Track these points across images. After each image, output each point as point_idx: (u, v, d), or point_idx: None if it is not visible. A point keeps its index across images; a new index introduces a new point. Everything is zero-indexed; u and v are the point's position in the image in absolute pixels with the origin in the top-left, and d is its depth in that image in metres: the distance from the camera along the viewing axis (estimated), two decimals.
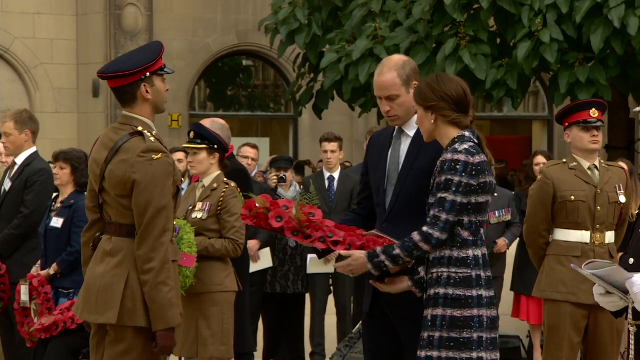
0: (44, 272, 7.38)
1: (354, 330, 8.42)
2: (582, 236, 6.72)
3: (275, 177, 9.92)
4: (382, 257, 4.57)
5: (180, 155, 10.48)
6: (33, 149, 7.81)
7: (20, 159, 7.77)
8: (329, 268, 9.79)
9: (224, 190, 7.24)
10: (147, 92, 5.00)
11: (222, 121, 7.79)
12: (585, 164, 6.82)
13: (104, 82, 4.72)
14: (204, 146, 7.31)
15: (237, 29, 20.98)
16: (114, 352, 4.90)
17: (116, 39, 19.52)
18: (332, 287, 10.14)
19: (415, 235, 4.53)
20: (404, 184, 4.89)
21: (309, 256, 9.74)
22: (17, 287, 7.45)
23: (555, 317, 6.69)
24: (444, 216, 4.52)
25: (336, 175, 9.95)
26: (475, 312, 4.52)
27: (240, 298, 7.35)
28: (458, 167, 4.53)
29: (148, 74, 4.97)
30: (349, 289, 9.97)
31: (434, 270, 4.58)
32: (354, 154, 19.70)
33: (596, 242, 6.72)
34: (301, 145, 21.84)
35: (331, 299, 10.13)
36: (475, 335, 4.51)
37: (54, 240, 7.43)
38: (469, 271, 4.54)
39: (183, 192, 7.33)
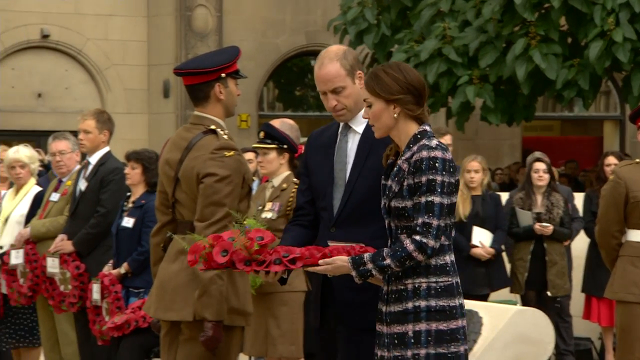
0: (115, 271, 7.46)
1: None
2: None
3: None
4: (370, 266, 4.06)
5: (250, 155, 10.53)
6: (107, 149, 7.90)
7: (94, 159, 7.85)
8: None
9: (294, 190, 7.26)
10: (220, 92, 5.06)
11: (291, 121, 7.82)
12: None
13: (174, 83, 4.78)
14: (273, 146, 7.34)
15: (306, 29, 21.03)
16: (188, 350, 4.94)
17: (186, 40, 19.68)
18: None
19: (409, 245, 4.04)
20: (355, 185, 4.43)
21: None
22: (89, 286, 7.55)
23: (628, 318, 6.61)
24: (435, 222, 4.04)
25: None
26: (460, 323, 4.11)
27: (309, 298, 7.36)
28: (437, 165, 4.06)
29: (223, 74, 5.03)
30: None
31: (409, 281, 4.09)
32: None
33: None
34: None
35: None
36: (462, 349, 4.10)
37: (125, 239, 7.51)
38: (450, 279, 4.11)
39: (253, 192, 7.37)
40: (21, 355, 8.60)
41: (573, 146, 21.38)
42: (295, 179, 7.35)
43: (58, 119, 19.29)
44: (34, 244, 8.01)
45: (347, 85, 4.58)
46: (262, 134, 7.41)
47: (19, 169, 8.43)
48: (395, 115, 4.15)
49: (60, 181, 8.16)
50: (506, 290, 9.78)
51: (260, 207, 7.33)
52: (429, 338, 4.05)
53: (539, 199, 9.68)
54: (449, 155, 4.11)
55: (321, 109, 22.37)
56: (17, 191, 8.54)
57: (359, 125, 4.56)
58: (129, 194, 7.65)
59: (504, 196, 10.09)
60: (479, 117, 14.46)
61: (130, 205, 7.57)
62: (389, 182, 4.16)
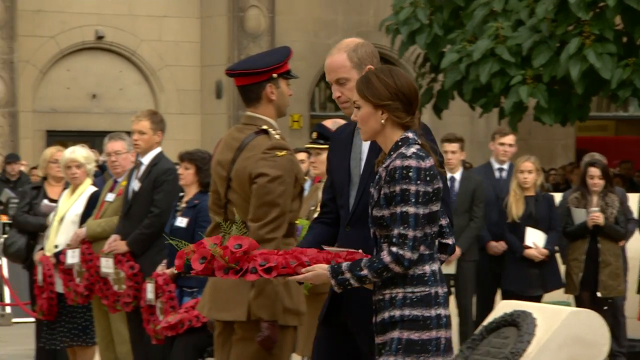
0: (168, 271, 7.50)
1: (475, 332, 8.37)
2: None
3: None
4: (347, 275, 4.02)
5: (302, 155, 10.54)
6: (159, 149, 7.94)
7: (146, 159, 7.90)
8: (450, 269, 9.74)
9: None
10: (272, 92, 5.07)
11: (343, 121, 7.82)
12: None
13: (227, 84, 4.80)
14: (326, 146, 7.34)
15: (358, 29, 21.01)
16: (241, 349, 4.95)
17: (239, 41, 19.76)
18: (452, 288, 10.09)
19: (385, 257, 3.97)
20: (367, 184, 4.31)
21: None
22: (144, 285, 7.60)
23: None
24: (411, 233, 3.96)
25: (457, 176, 9.89)
26: (434, 334, 4.00)
27: None
28: (411, 174, 3.97)
29: (275, 75, 5.04)
30: (471, 290, 9.91)
31: (387, 292, 4.03)
32: (474, 155, 19.54)
33: None
34: None
35: (452, 300, 10.07)
36: None
37: (178, 239, 7.54)
38: (427, 289, 4.01)
39: (306, 193, 7.38)
40: (76, 354, 8.69)
41: (628, 146, 21.17)
42: None
43: (112, 120, 19.47)
44: (89, 244, 8.08)
45: (351, 78, 4.48)
46: (314, 135, 7.42)
47: (75, 169, 8.51)
48: (382, 121, 4.08)
49: (115, 181, 8.23)
50: (560, 291, 9.71)
51: (312, 208, 7.33)
52: (399, 346, 3.99)
53: (594, 199, 9.60)
54: (425, 164, 4.00)
55: None
56: (73, 191, 8.63)
57: None
58: (182, 194, 7.69)
59: (558, 197, 10.03)
60: (532, 117, 14.38)
61: (183, 205, 7.62)
62: (372, 190, 4.11)
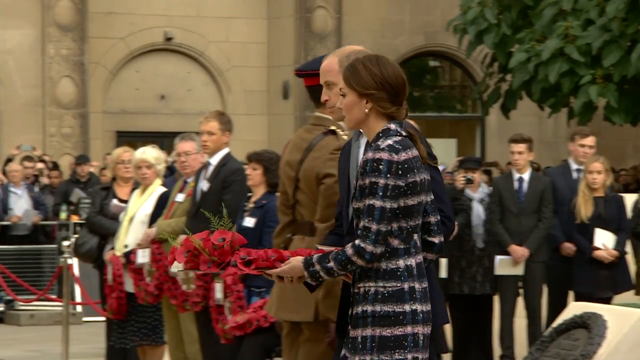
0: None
1: (545, 334, 8.30)
2: None
3: (463, 178, 9.88)
4: (317, 267, 3.98)
5: None
6: (227, 150, 7.98)
7: (215, 160, 7.94)
8: (519, 270, 9.68)
9: None
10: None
11: (411, 122, 7.79)
12: None
13: (294, 84, 4.82)
14: None
15: (424, 29, 20.96)
16: (308, 350, 4.96)
17: (306, 42, 19.82)
18: (521, 290, 10.02)
19: (348, 249, 3.94)
20: None
21: (498, 257, 9.66)
22: (212, 285, 7.65)
23: None
24: (374, 226, 3.89)
25: (526, 176, 9.82)
26: (409, 329, 3.92)
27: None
28: (381, 167, 3.89)
29: None
30: (539, 291, 9.84)
31: (360, 285, 3.98)
32: (542, 156, 19.39)
33: None
34: (488, 145, 21.64)
35: (520, 302, 10.01)
36: (409, 357, 3.92)
37: (246, 239, 7.58)
38: (399, 284, 3.93)
39: None
40: (146, 353, 8.77)
41: None
42: None
43: (180, 121, 19.62)
44: (159, 244, 8.15)
45: (337, 82, 4.42)
46: None
47: (145, 169, 8.59)
48: (366, 110, 4.00)
49: (185, 182, 8.29)
50: (630, 293, 9.60)
51: None
52: (373, 344, 3.93)
53: None
54: (399, 157, 3.91)
55: (440, 109, 22.28)
56: (143, 191, 8.71)
57: None
58: (249, 194, 7.73)
59: (628, 197, 9.90)
60: (601, 117, 14.22)
61: (251, 205, 7.66)
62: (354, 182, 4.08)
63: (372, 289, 3.94)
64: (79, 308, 13.80)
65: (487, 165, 14.51)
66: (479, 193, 9.87)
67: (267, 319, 7.06)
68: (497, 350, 9.94)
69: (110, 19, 19.76)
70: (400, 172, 3.90)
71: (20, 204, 15.27)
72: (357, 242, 3.93)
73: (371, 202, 3.90)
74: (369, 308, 3.94)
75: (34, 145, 18.46)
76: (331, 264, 3.96)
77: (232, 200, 7.79)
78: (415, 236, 3.99)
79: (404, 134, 3.98)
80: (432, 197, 4.08)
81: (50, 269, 14.52)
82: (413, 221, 3.96)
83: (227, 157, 7.94)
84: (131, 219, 8.62)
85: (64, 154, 18.91)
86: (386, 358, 3.91)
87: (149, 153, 8.65)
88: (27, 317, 14.07)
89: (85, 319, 13.58)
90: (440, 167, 12.14)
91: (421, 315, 3.95)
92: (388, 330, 3.91)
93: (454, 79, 22.57)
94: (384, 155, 3.90)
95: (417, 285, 3.96)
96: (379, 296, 3.93)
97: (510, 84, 14.51)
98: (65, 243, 10.89)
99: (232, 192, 7.81)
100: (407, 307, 3.93)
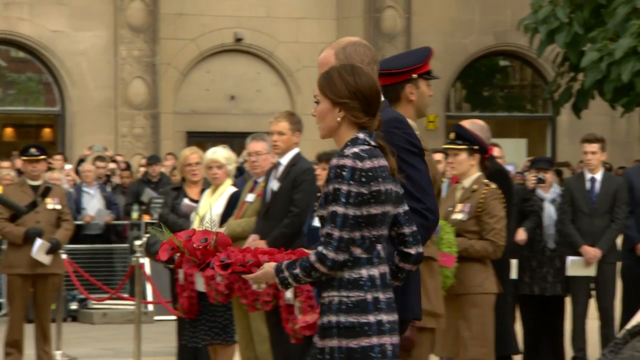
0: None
1: (618, 335, 8.22)
2: None
3: (534, 178, 9.81)
4: (286, 273, 3.95)
5: (438, 156, 10.51)
6: (297, 150, 8.02)
7: (285, 159, 7.97)
8: (590, 271, 9.59)
9: (484, 191, 7.21)
10: (411, 93, 5.07)
11: (482, 122, 7.77)
12: None
13: None
14: (464, 147, 7.31)
15: (494, 29, 20.84)
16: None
17: (375, 42, 19.80)
18: (594, 291, 9.92)
19: (311, 255, 3.90)
20: None
21: (569, 258, 9.58)
22: None
23: None
24: (336, 233, 3.86)
25: (598, 177, 9.72)
26: (374, 340, 3.87)
27: (501, 300, 7.31)
28: (344, 173, 3.87)
29: (415, 75, 5.03)
30: (612, 293, 9.73)
31: (326, 295, 3.94)
32: (614, 156, 19.18)
33: None
34: (559, 145, 21.46)
35: (593, 303, 9.91)
36: None
37: (316, 239, 7.58)
38: (362, 294, 3.88)
39: (443, 194, 7.36)
40: (217, 352, 8.83)
41: None
42: (485, 180, 7.31)
43: (250, 121, 19.74)
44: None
45: None
46: (452, 135, 7.39)
47: (216, 170, 8.66)
48: (338, 118, 4.01)
49: (255, 182, 8.34)
50: None
51: (450, 209, 7.31)
52: (341, 355, 3.88)
53: None
54: (364, 164, 3.89)
55: (510, 109, 22.13)
56: (214, 191, 8.77)
57: None
58: (319, 194, 7.75)
59: None
60: None
61: None
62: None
63: (336, 299, 3.91)
64: (150, 307, 13.94)
65: (559, 166, 14.40)
66: (550, 193, 9.80)
67: None
68: (569, 352, 9.85)
69: (181, 20, 19.93)
70: (363, 180, 3.88)
71: (93, 204, 15.47)
72: (319, 248, 3.89)
73: (334, 208, 3.88)
74: (334, 319, 3.90)
75: (105, 145, 18.70)
76: (297, 270, 3.93)
77: (302, 200, 7.82)
78: (379, 246, 3.94)
79: (372, 143, 3.96)
80: (406, 208, 4.03)
81: (122, 268, 14.69)
82: (377, 231, 3.92)
83: (297, 157, 7.96)
84: (202, 219, 8.67)
85: (135, 154, 19.12)
86: None
87: (220, 153, 8.70)
88: (100, 316, 14.25)
89: (156, 317, 13.71)
90: (510, 167, 12.13)
91: (387, 325, 3.91)
92: (354, 342, 3.87)
93: (524, 79, 22.41)
94: (348, 162, 3.89)
95: (381, 296, 3.92)
96: (343, 306, 3.90)
97: (582, 83, 14.38)
98: (137, 242, 11.00)
99: (302, 192, 7.83)
100: (371, 318, 3.88)
